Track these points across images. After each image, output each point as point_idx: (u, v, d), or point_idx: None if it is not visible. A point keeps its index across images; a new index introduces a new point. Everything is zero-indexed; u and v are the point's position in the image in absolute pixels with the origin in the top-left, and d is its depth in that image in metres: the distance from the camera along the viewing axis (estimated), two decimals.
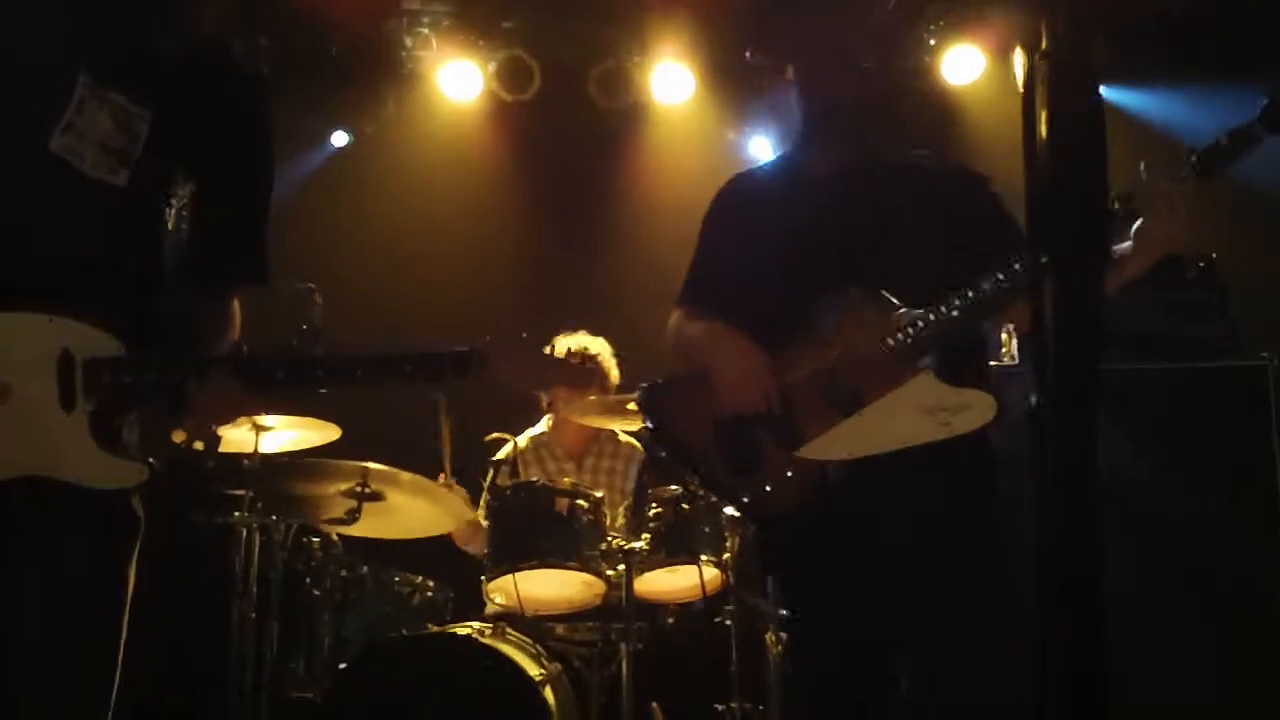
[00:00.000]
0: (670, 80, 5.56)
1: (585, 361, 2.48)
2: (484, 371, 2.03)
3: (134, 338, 1.84)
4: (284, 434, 3.90)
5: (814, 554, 2.43)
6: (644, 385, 2.67)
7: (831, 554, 2.40)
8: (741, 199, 2.69)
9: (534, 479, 4.09)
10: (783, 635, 3.63)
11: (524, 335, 2.09)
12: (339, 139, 5.79)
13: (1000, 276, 2.23)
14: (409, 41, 5.68)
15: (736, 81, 5.60)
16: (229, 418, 1.92)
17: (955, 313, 2.26)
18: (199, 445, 1.92)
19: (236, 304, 2.07)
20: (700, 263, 2.73)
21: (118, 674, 1.85)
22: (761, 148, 5.79)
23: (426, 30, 5.63)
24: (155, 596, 2.01)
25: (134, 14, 1.87)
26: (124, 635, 1.87)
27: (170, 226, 1.92)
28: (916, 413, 2.29)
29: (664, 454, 2.65)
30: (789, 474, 2.39)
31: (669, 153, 5.73)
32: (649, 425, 2.64)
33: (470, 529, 4.12)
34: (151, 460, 1.87)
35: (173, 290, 1.93)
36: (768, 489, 2.41)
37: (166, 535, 2.06)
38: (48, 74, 1.81)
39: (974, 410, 2.31)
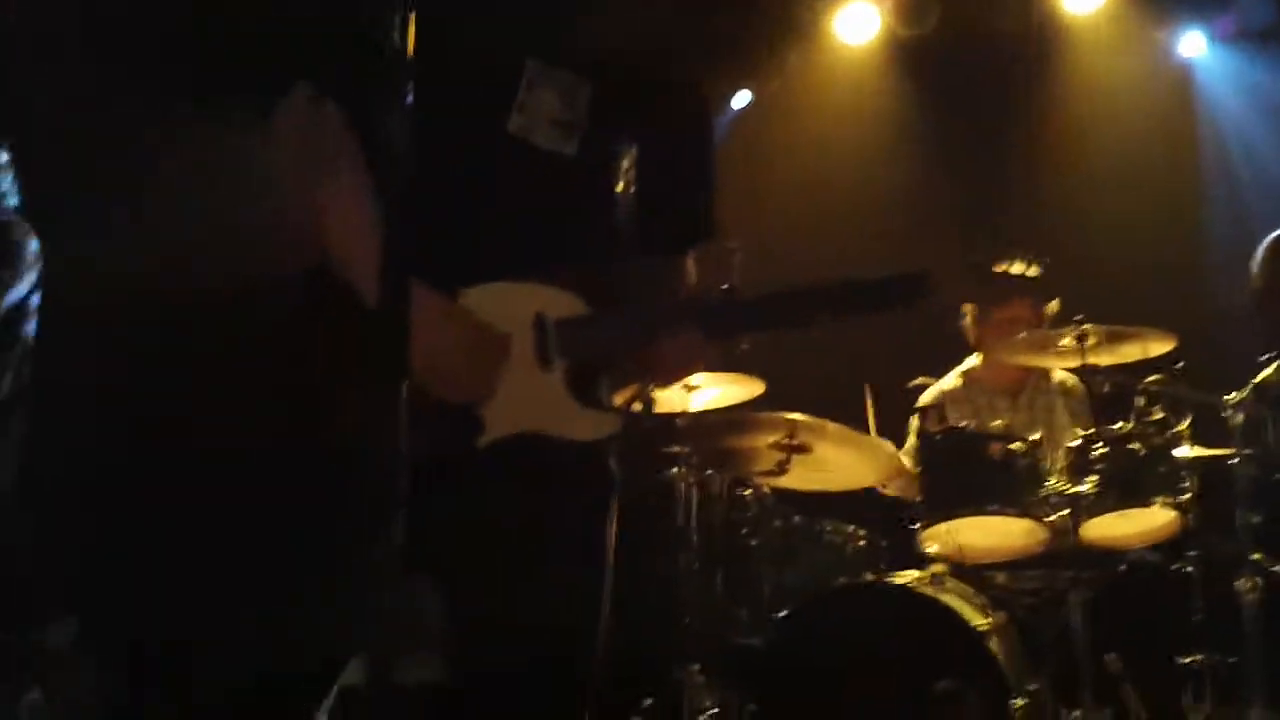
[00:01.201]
0: None
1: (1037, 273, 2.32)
2: (939, 293, 1.97)
3: (598, 297, 1.94)
4: (712, 391, 4.01)
5: None
6: None
7: None
8: None
9: (965, 423, 3.96)
10: (1259, 581, 3.31)
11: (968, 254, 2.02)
12: (740, 100, 5.85)
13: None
14: None
15: None
16: (691, 369, 1.99)
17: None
18: (638, 406, 2.00)
19: (690, 262, 2.13)
20: None
21: (601, 625, 1.95)
22: (1194, 44, 5.26)
23: None
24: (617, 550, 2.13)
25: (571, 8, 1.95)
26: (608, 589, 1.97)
27: (620, 189, 2.01)
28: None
29: None
30: None
31: (1088, 68, 5.33)
32: None
33: (896, 475, 4.06)
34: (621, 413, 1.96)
35: (628, 251, 2.02)
36: None
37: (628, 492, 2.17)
38: (498, 61, 1.93)
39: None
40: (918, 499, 3.77)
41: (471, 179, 1.91)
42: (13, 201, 3.41)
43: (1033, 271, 2.17)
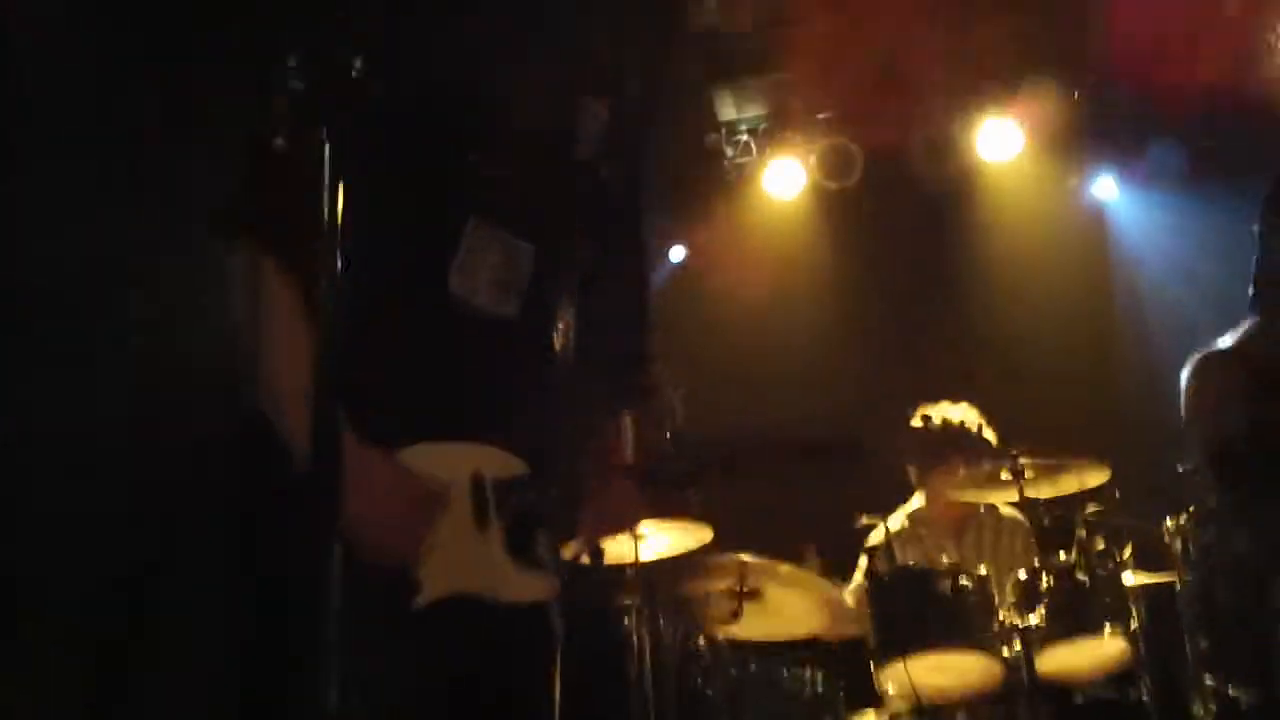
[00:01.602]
0: (997, 137, 5.44)
1: (968, 430, 2.40)
2: (875, 455, 2.01)
3: (535, 458, 1.95)
4: (660, 539, 4.00)
5: None
6: None
7: None
8: None
9: (912, 562, 3.98)
10: (1213, 708, 3.31)
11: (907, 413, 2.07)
12: (676, 254, 6.01)
13: None
14: (729, 151, 5.86)
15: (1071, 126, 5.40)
16: (627, 524, 1.99)
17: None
18: (585, 559, 1.99)
19: (627, 420, 2.15)
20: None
21: None
22: (1107, 188, 5.52)
23: (745, 136, 5.80)
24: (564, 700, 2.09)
25: (517, 152, 2.01)
26: None
27: (557, 349, 2.04)
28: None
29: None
30: None
31: (1007, 212, 5.57)
32: None
33: (834, 613, 4.04)
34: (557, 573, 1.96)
35: (566, 408, 2.04)
36: None
37: (571, 643, 2.14)
38: (438, 219, 1.98)
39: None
40: (869, 636, 3.75)
41: (412, 337, 1.93)
42: None
43: (968, 425, 2.24)
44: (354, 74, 1.64)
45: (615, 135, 2.10)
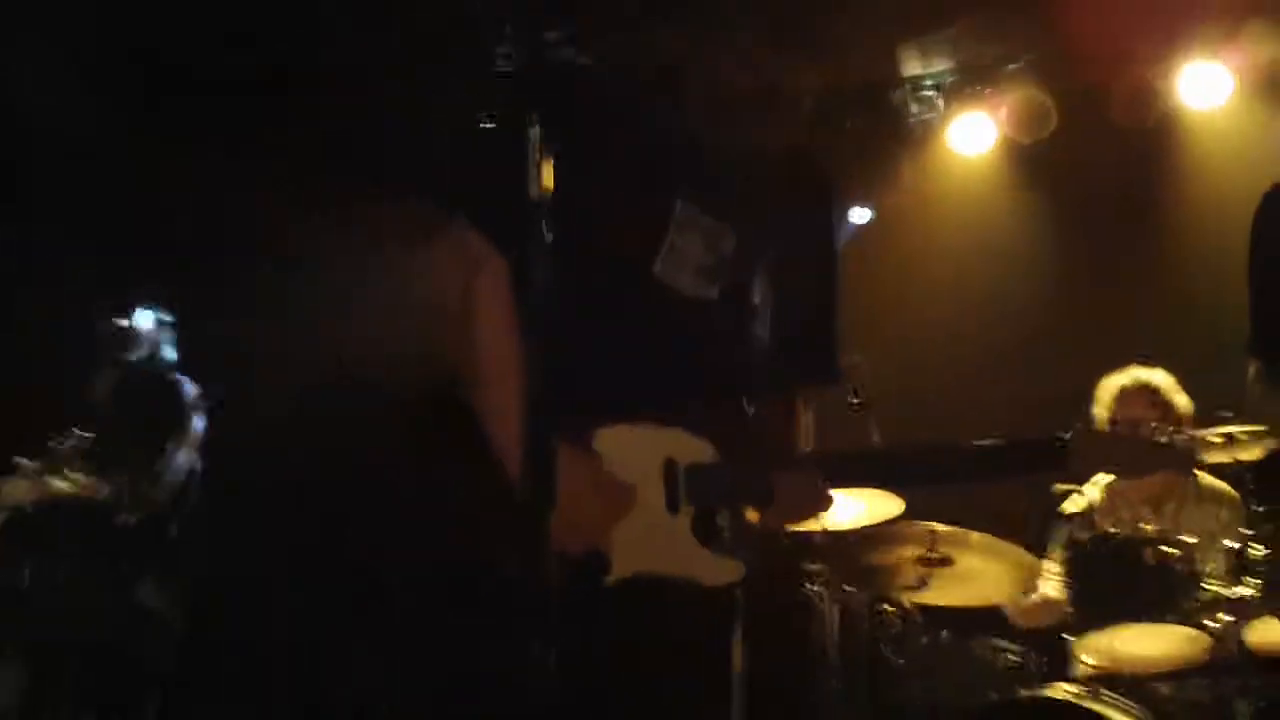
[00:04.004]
0: (1205, 83, 5.15)
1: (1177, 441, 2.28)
2: (1080, 464, 1.97)
3: (726, 442, 1.98)
4: (850, 507, 3.99)
5: None
6: None
7: None
8: None
9: (1113, 530, 3.86)
10: None
11: (1115, 424, 2.03)
12: (860, 216, 5.91)
13: None
14: (915, 107, 5.72)
15: None
16: (810, 513, 2.01)
17: None
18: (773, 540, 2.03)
19: (802, 404, 2.17)
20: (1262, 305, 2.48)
21: None
22: None
23: (931, 92, 5.65)
24: (749, 670, 2.13)
25: (715, 140, 2.03)
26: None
27: (752, 329, 2.06)
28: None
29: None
30: None
31: (1211, 163, 5.28)
32: None
33: (1032, 606, 3.95)
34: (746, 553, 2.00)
35: (758, 392, 2.07)
36: None
37: (756, 611, 2.18)
38: (646, 200, 2.02)
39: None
40: (1065, 618, 3.66)
41: (613, 316, 1.97)
42: (170, 355, 3.66)
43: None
44: (563, 54, 1.69)
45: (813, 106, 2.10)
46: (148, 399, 3.44)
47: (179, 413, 3.41)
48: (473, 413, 1.88)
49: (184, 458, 3.37)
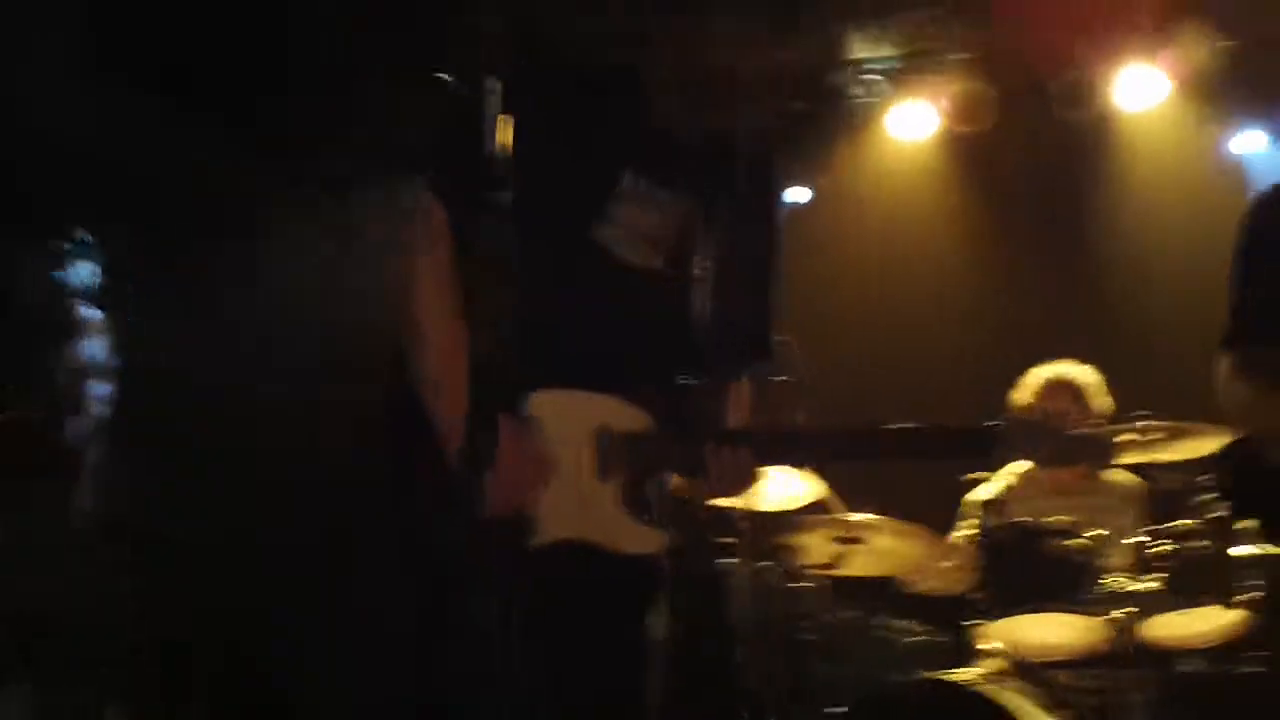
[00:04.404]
0: (1140, 85, 5.23)
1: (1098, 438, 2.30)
2: (1003, 450, 1.98)
3: (661, 413, 1.97)
4: (776, 484, 4.01)
5: None
6: None
7: None
8: None
9: (1023, 518, 3.92)
10: None
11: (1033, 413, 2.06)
12: (798, 195, 5.92)
13: None
14: (857, 91, 5.73)
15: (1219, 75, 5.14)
16: (741, 488, 2.01)
17: None
18: (689, 495, 2.04)
19: (746, 383, 2.17)
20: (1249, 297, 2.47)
21: None
22: (1250, 143, 5.28)
23: (875, 76, 5.67)
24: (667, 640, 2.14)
25: (663, 111, 2.01)
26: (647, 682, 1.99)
27: (693, 303, 2.05)
28: None
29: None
30: None
31: (1144, 162, 5.36)
32: None
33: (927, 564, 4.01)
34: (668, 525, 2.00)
35: (695, 365, 2.06)
36: None
37: (671, 581, 2.19)
38: (595, 175, 1.99)
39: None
40: (963, 593, 3.72)
41: (557, 282, 1.95)
42: (88, 281, 3.55)
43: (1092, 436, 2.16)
44: (530, 25, 1.67)
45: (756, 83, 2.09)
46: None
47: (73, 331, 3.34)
48: (413, 379, 1.87)
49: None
